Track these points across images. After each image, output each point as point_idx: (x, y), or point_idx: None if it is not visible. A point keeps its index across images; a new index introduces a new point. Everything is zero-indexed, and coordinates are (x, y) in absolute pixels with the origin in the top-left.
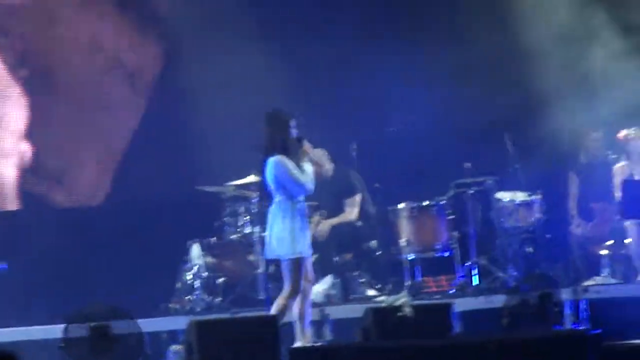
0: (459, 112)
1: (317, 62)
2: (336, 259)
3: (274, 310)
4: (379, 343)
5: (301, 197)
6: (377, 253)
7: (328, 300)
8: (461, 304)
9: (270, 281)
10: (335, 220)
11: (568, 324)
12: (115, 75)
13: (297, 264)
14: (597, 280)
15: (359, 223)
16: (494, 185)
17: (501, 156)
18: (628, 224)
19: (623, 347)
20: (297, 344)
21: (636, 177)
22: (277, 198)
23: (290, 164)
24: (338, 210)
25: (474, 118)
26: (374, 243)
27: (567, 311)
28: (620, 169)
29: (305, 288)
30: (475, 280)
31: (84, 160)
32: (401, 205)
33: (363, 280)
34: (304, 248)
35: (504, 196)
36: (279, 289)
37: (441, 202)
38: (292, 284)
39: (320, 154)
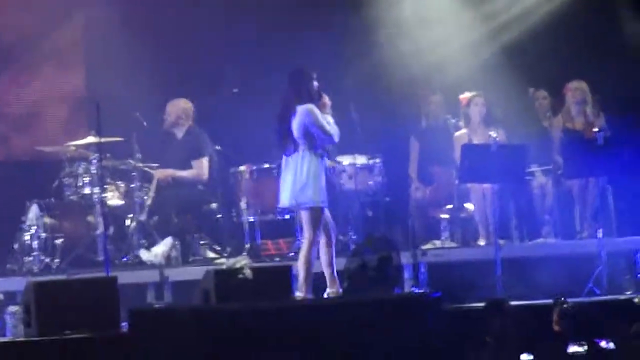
0: None
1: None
2: (176, 220)
3: (300, 264)
4: (219, 305)
5: (320, 150)
6: (218, 215)
7: (168, 262)
8: None
9: (110, 242)
10: (180, 173)
11: (408, 287)
12: None
13: (318, 213)
14: (436, 243)
15: (200, 186)
16: (335, 148)
17: (343, 120)
18: (471, 186)
19: (462, 310)
20: (327, 291)
21: (475, 142)
22: (301, 148)
23: (319, 113)
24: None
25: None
26: (214, 205)
27: (407, 274)
28: (460, 137)
29: (331, 236)
30: None
31: None
32: (242, 168)
33: (203, 242)
34: (325, 198)
35: (344, 160)
36: (118, 251)
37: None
38: (310, 233)
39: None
